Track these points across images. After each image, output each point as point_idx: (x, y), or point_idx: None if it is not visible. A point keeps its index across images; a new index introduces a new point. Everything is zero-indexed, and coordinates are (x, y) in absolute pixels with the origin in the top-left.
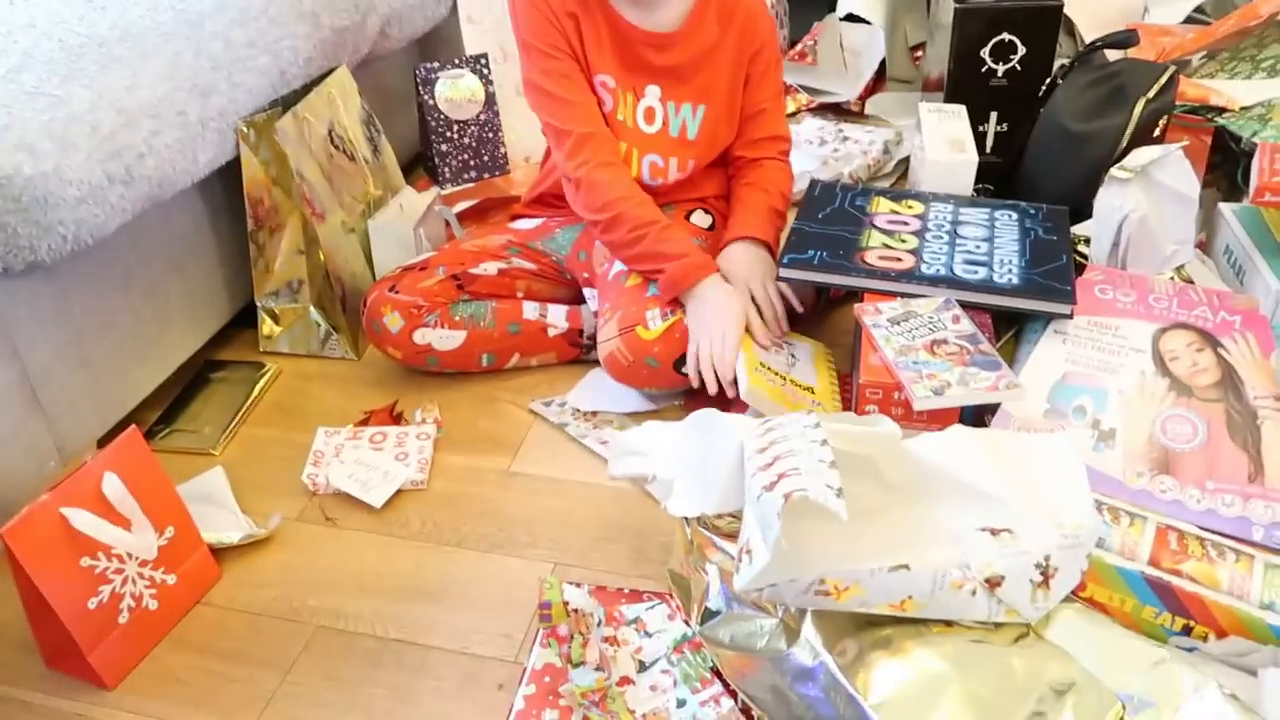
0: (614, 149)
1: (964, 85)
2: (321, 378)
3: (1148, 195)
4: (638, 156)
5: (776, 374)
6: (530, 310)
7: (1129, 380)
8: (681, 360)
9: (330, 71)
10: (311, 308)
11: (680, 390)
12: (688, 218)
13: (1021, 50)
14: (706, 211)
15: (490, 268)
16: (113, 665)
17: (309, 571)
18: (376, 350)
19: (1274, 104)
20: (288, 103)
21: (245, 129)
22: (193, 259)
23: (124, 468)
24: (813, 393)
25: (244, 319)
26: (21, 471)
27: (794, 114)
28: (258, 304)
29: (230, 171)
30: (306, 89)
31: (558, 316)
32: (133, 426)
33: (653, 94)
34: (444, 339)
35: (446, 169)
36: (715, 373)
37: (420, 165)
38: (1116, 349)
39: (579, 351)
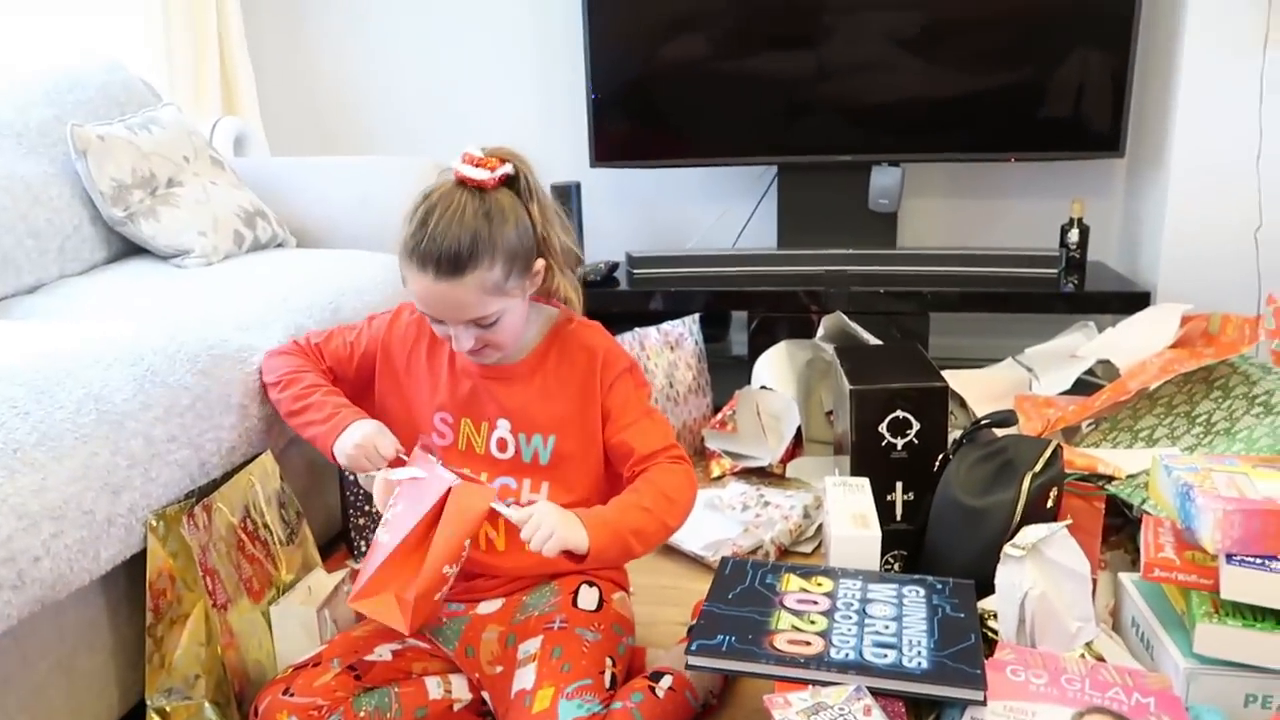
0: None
1: (867, 457)
2: None
3: (1043, 572)
4: (487, 480)
5: None
6: (434, 689)
7: None
8: None
9: (254, 457)
10: (206, 704)
11: None
12: (574, 600)
13: (916, 425)
14: (592, 585)
15: (384, 652)
16: None
17: None
18: None
19: (1151, 473)
20: (204, 491)
21: (155, 522)
22: (83, 657)
23: None
24: None
25: (132, 717)
26: None
27: (719, 478)
28: (148, 702)
29: (135, 562)
30: (227, 476)
31: (462, 688)
32: None
33: (503, 426)
34: None
35: (363, 543)
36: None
37: (342, 540)
38: None
39: None
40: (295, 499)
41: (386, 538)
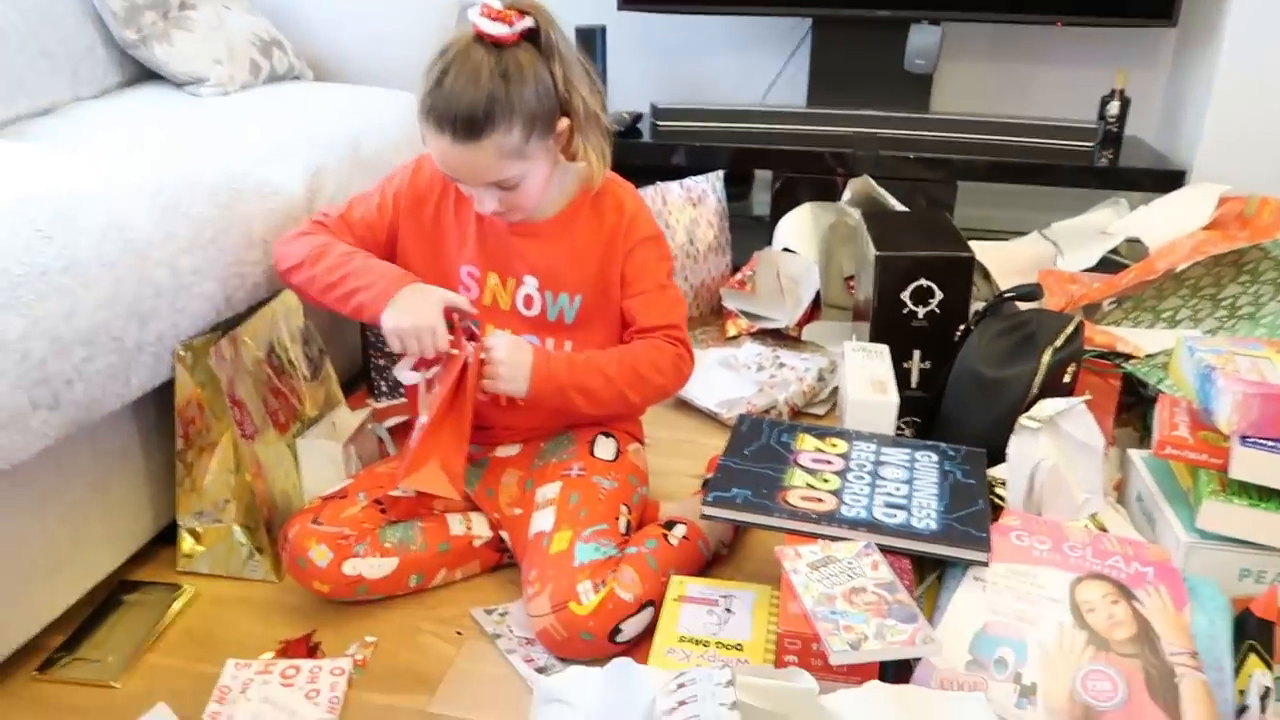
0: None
1: (887, 325)
2: (240, 602)
3: (1056, 445)
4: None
5: (698, 642)
6: (456, 525)
7: (1048, 632)
8: (616, 630)
9: (277, 293)
10: (236, 527)
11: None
12: (591, 449)
13: (939, 295)
14: (608, 435)
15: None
16: None
17: None
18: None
19: (1173, 354)
20: (230, 325)
21: (183, 352)
22: (117, 478)
23: None
24: (740, 650)
25: (165, 536)
26: None
27: (735, 338)
28: (179, 522)
29: (165, 391)
30: (252, 310)
31: (482, 525)
32: None
33: (530, 283)
34: (375, 567)
35: (384, 383)
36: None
37: (362, 379)
38: (1035, 598)
39: (502, 557)
40: (318, 336)
41: (424, 418)
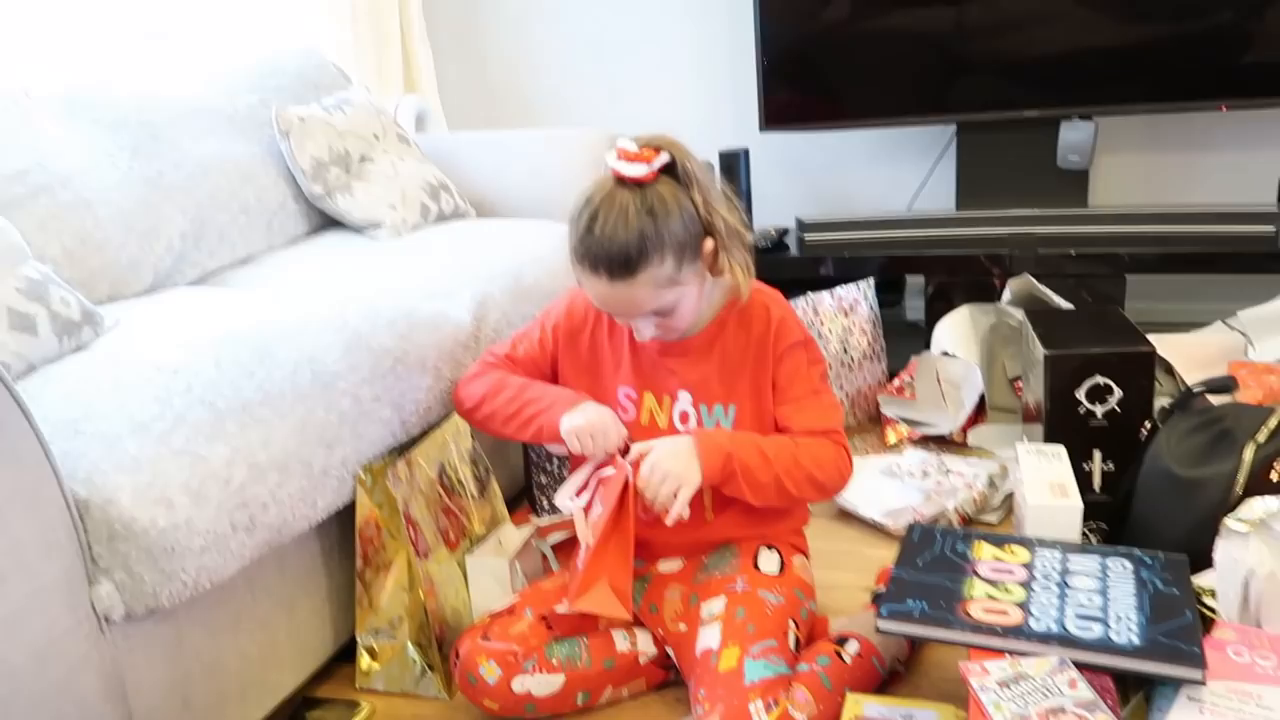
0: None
1: (1062, 426)
2: (413, 719)
3: (1271, 549)
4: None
5: None
6: (621, 641)
7: None
8: None
9: (447, 416)
10: (409, 644)
11: None
12: (755, 563)
13: (1119, 392)
14: (771, 549)
15: None
16: None
17: None
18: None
19: None
20: (404, 448)
21: (364, 475)
22: (303, 596)
23: None
24: None
25: (345, 653)
26: None
27: (895, 445)
28: (358, 639)
29: (346, 512)
30: (424, 434)
31: (646, 642)
32: None
33: (685, 399)
34: (543, 684)
35: (545, 500)
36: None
37: (525, 497)
38: None
39: (668, 674)
40: (484, 456)
41: (591, 540)
